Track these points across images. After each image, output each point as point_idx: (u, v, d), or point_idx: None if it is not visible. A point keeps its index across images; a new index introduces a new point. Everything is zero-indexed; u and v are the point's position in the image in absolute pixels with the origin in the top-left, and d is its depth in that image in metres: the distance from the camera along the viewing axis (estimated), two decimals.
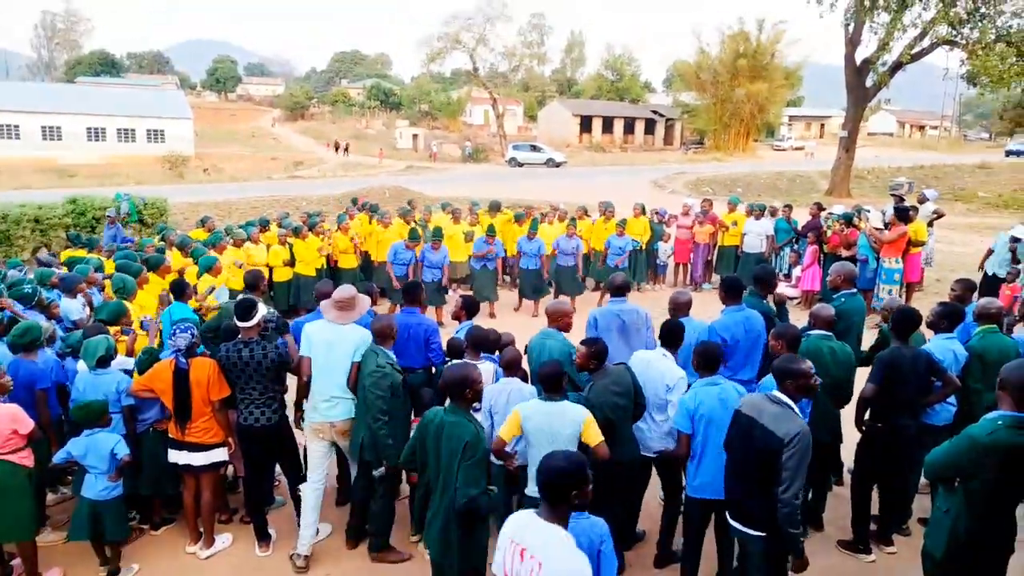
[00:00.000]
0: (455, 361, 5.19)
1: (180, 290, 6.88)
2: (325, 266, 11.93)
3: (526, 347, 5.72)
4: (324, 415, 5.37)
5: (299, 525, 5.48)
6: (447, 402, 4.24)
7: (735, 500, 4.23)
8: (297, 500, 5.55)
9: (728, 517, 4.29)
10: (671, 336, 5.27)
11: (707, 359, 4.78)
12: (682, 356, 5.34)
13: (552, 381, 4.45)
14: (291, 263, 11.40)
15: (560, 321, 5.61)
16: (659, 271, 14.22)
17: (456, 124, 69.68)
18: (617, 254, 12.42)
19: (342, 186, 27.50)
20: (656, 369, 5.11)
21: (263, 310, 5.36)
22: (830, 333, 5.41)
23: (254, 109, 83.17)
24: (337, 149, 54.57)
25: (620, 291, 6.19)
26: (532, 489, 4.40)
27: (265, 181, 35.80)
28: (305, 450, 5.99)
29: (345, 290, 5.52)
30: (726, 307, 5.82)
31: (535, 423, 4.37)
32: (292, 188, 28.94)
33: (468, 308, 6.17)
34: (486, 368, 5.34)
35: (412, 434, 4.35)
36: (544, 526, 3.08)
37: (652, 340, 6.05)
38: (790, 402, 4.09)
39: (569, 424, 4.36)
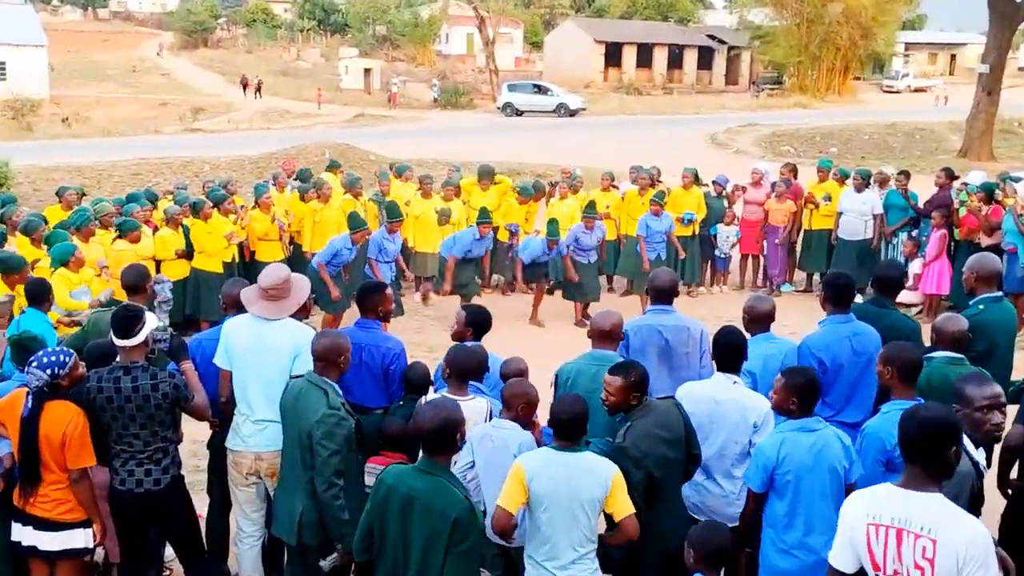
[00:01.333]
0: (432, 398, 5.15)
1: (39, 294, 6.85)
2: (237, 259, 11.92)
3: (555, 378, 5.66)
4: (247, 442, 5.45)
5: None
6: (419, 458, 4.21)
7: None
8: None
9: None
10: (732, 353, 5.29)
11: (802, 393, 4.75)
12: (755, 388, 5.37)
13: (573, 424, 4.46)
14: (187, 255, 11.40)
15: (616, 337, 5.65)
16: (719, 266, 14.26)
17: (426, 54, 69.81)
18: (657, 242, 12.44)
19: (263, 143, 27.55)
20: (733, 403, 5.11)
21: (151, 322, 5.35)
22: (962, 356, 5.42)
23: (135, 33, 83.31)
24: (246, 88, 54.64)
25: (664, 296, 6.19)
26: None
27: (151, 136, 35.83)
28: (209, 514, 6.05)
29: (275, 272, 5.57)
30: (828, 316, 5.85)
31: (547, 483, 4.37)
32: (191, 146, 28.97)
33: (475, 323, 6.10)
34: (475, 407, 5.32)
35: (366, 507, 4.31)
36: (921, 496, 3.44)
37: (709, 367, 6.03)
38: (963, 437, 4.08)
39: (594, 484, 4.37)
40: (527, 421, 5.10)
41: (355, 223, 10.95)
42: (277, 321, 5.51)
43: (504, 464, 4.78)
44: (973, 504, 4.20)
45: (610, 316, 5.76)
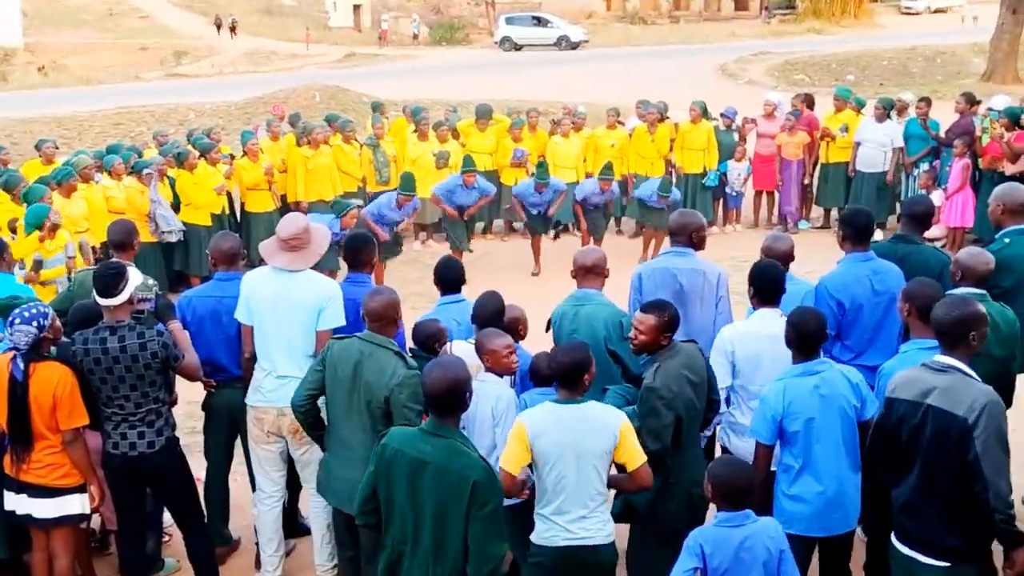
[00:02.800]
0: (445, 356, 5.11)
1: None
2: (226, 211, 11.89)
3: (549, 323, 5.73)
4: (268, 397, 5.49)
5: (256, 565, 5.86)
6: (426, 420, 4.19)
7: (902, 519, 4.34)
8: (201, 561, 5.64)
9: (894, 539, 4.39)
10: (773, 286, 5.28)
11: (802, 335, 4.75)
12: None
13: (574, 373, 4.44)
14: (175, 207, 11.37)
15: (599, 273, 5.65)
16: (730, 204, 14.19)
17: None
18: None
19: (249, 87, 27.33)
20: (781, 339, 5.06)
21: (135, 279, 5.34)
22: (984, 292, 5.39)
23: None
24: (219, 28, 54.09)
25: (681, 236, 6.11)
26: (542, 534, 4.47)
27: (132, 83, 35.58)
28: (208, 477, 6.10)
29: (293, 222, 5.58)
30: (845, 255, 5.82)
31: (552, 440, 4.37)
32: (174, 92, 28.75)
33: (443, 276, 6.12)
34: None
35: (368, 470, 4.29)
36: None
37: (727, 314, 6.03)
38: (961, 365, 4.18)
39: (602, 436, 4.37)
40: (507, 371, 5.13)
41: (339, 208, 10.70)
42: (299, 273, 5.51)
43: (484, 417, 4.89)
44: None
45: (592, 252, 5.78)
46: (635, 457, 4.42)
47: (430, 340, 5.48)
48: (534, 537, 4.54)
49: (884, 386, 4.77)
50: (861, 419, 4.72)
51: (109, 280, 5.17)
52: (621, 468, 4.52)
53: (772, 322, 5.22)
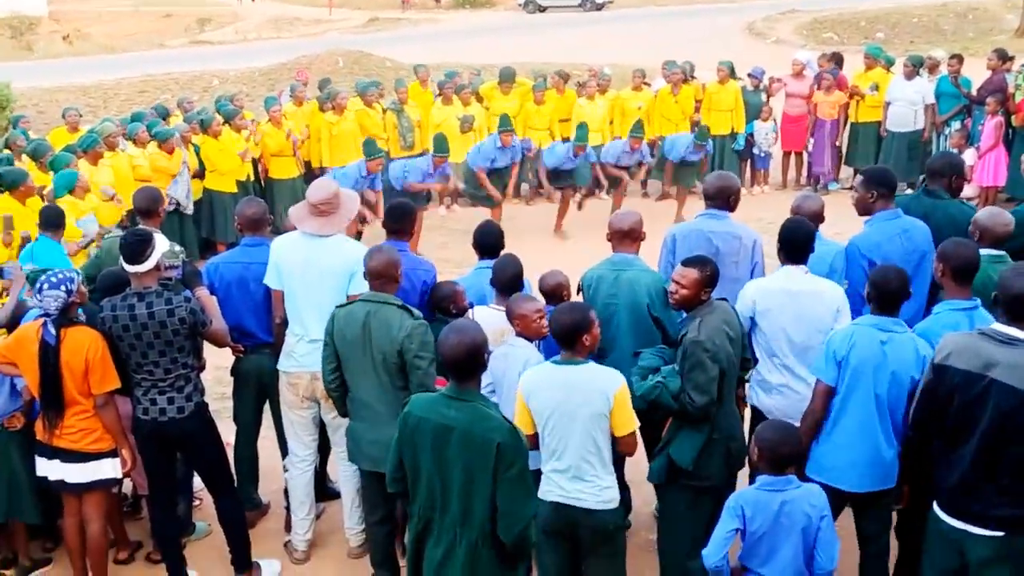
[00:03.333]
0: (460, 320, 5.12)
1: (54, 220, 6.95)
2: (252, 177, 11.91)
3: (580, 286, 5.71)
4: (301, 362, 5.55)
5: (287, 528, 5.99)
6: (448, 384, 4.18)
7: (955, 492, 4.26)
8: (231, 524, 5.69)
9: (940, 511, 4.32)
10: (802, 243, 5.24)
11: (883, 292, 4.66)
12: None
13: (572, 333, 4.46)
14: (200, 174, 11.40)
15: (636, 238, 5.63)
16: (758, 165, 14.06)
17: None
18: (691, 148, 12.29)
19: (273, 53, 27.26)
20: (810, 294, 5.08)
21: (163, 245, 5.37)
22: (1003, 253, 5.33)
23: None
24: None
25: (714, 199, 6.06)
26: (541, 487, 4.52)
27: (156, 50, 35.59)
28: (237, 442, 6.19)
29: (322, 188, 5.62)
30: (874, 215, 5.75)
31: (544, 400, 4.43)
32: (198, 59, 28.76)
33: (481, 243, 6.05)
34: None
35: (394, 437, 4.27)
36: None
37: (761, 275, 5.97)
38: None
39: (593, 398, 4.39)
40: (537, 335, 5.14)
41: (369, 150, 10.81)
42: (329, 238, 5.55)
43: (512, 382, 4.88)
44: None
45: (629, 216, 5.74)
46: (625, 423, 4.45)
47: (445, 301, 5.51)
48: (539, 492, 4.58)
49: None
50: (915, 389, 4.59)
51: (136, 247, 5.19)
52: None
53: (797, 279, 5.20)
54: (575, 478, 4.47)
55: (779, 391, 5.26)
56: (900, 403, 4.63)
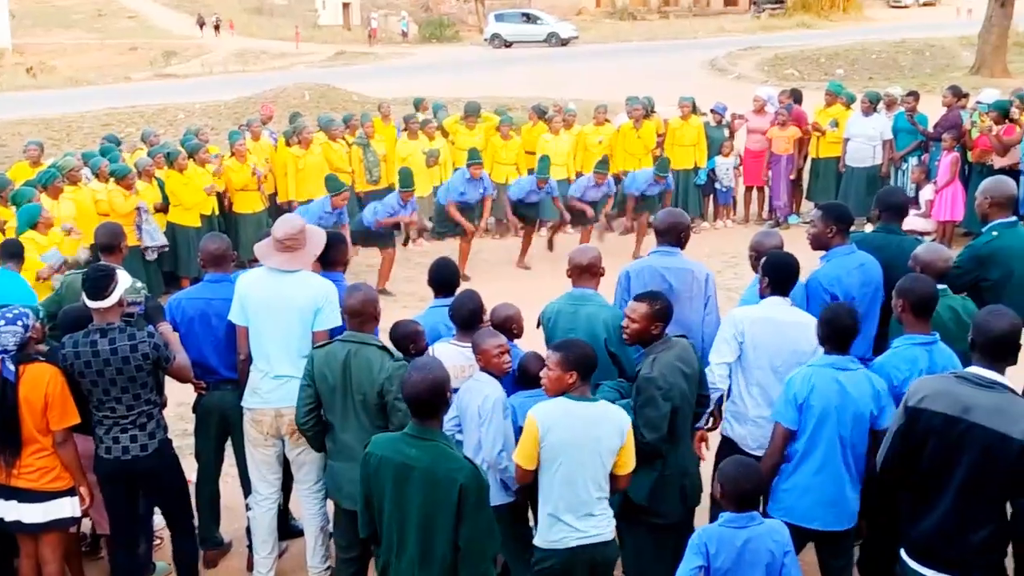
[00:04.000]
0: (423, 358, 5.10)
1: (13, 252, 6.89)
2: (216, 211, 11.86)
3: (539, 321, 5.72)
4: (266, 399, 5.51)
5: (249, 567, 5.92)
6: (405, 421, 4.18)
7: (928, 537, 4.21)
8: (185, 566, 5.66)
9: (909, 559, 4.27)
10: (785, 274, 5.29)
11: (836, 329, 4.71)
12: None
13: (590, 367, 4.50)
14: (164, 208, 11.34)
15: (595, 273, 5.66)
16: (720, 200, 14.19)
17: None
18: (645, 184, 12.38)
19: (239, 87, 27.26)
20: (794, 325, 5.11)
21: (125, 280, 5.34)
22: (946, 287, 5.43)
23: None
24: (202, 27, 54.05)
25: (666, 236, 6.09)
26: (550, 537, 4.46)
27: (122, 84, 35.46)
28: (199, 479, 6.11)
29: (288, 223, 5.62)
30: (830, 250, 5.82)
31: (563, 436, 4.38)
32: (163, 92, 28.66)
33: (436, 278, 6.09)
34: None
35: (360, 483, 4.24)
36: None
37: (715, 313, 6.01)
38: (1006, 380, 4.05)
39: (612, 434, 4.41)
40: (499, 371, 5.10)
41: (332, 185, 10.83)
42: (295, 273, 5.53)
43: (474, 416, 4.91)
44: None
45: (587, 251, 5.76)
46: (630, 461, 4.48)
47: (405, 340, 5.47)
48: (539, 541, 4.53)
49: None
50: (875, 427, 4.65)
51: (99, 282, 5.16)
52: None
53: (783, 310, 5.26)
54: (586, 515, 4.44)
55: (755, 422, 5.25)
56: (862, 440, 4.67)
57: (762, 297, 5.41)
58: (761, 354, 5.21)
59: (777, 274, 5.33)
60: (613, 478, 4.51)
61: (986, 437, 3.93)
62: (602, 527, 4.49)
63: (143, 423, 5.30)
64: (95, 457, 5.36)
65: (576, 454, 4.37)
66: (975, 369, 4.08)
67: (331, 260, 6.08)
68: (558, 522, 4.45)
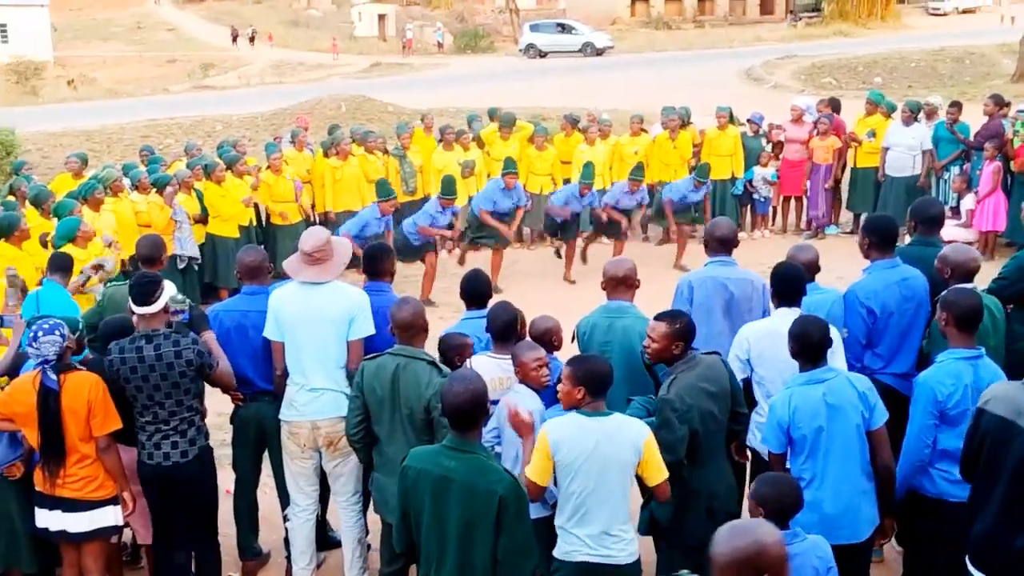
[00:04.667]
0: (462, 370, 5.09)
1: (62, 265, 7.01)
2: (254, 222, 11.93)
3: (575, 334, 5.71)
4: (302, 411, 5.54)
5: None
6: (447, 435, 4.15)
7: (979, 540, 4.24)
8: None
9: (970, 565, 4.30)
10: (793, 286, 5.30)
11: (805, 344, 4.71)
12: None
13: (601, 384, 4.43)
14: (203, 219, 11.43)
15: (631, 285, 5.64)
16: (758, 209, 14.10)
17: None
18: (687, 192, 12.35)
19: (276, 98, 27.49)
20: None
21: (169, 289, 5.43)
22: (975, 286, 5.37)
23: None
24: (235, 39, 54.65)
25: (724, 246, 6.12)
26: (562, 548, 4.43)
27: (160, 95, 35.87)
28: (236, 490, 6.15)
29: (314, 236, 5.65)
30: (872, 262, 5.79)
31: (574, 452, 4.34)
32: (201, 104, 28.97)
33: (468, 290, 6.08)
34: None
35: (398, 493, 4.25)
36: None
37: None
38: None
39: (624, 449, 4.34)
40: (537, 384, 5.08)
41: (382, 190, 10.92)
42: (326, 285, 5.56)
43: (510, 429, 4.82)
44: None
45: (622, 263, 5.74)
46: (656, 473, 4.40)
47: (451, 352, 5.47)
48: (556, 551, 4.50)
49: (917, 395, 4.75)
50: (869, 428, 4.65)
51: (146, 288, 5.27)
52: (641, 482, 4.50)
53: (790, 321, 5.19)
54: (603, 534, 4.37)
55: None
56: (862, 443, 4.64)
57: (775, 308, 5.40)
58: (771, 368, 5.21)
59: (783, 285, 5.34)
60: (647, 489, 4.45)
61: None
62: (616, 549, 4.40)
63: (184, 429, 5.37)
64: (138, 462, 5.41)
65: (587, 469, 4.31)
66: None
67: (378, 270, 6.09)
68: (568, 534, 4.43)
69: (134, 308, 5.28)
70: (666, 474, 4.42)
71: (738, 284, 5.99)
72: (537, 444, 4.41)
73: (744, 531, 3.14)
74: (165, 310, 5.33)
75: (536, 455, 4.41)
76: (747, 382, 5.34)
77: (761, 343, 5.25)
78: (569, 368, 4.47)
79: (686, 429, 4.70)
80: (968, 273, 5.40)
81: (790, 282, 5.33)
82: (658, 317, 4.96)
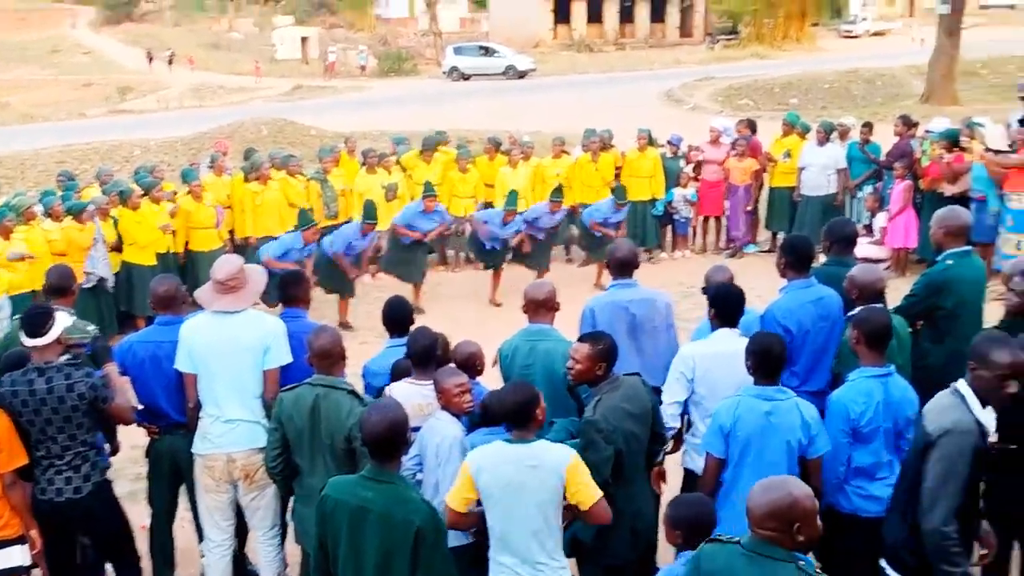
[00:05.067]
0: (381, 399, 5.03)
1: None
2: (172, 249, 11.72)
3: (496, 358, 5.69)
4: (217, 443, 5.43)
5: None
6: (365, 466, 4.09)
7: (887, 538, 4.46)
8: None
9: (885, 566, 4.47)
10: (733, 306, 5.34)
11: (764, 360, 4.74)
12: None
13: (523, 412, 4.38)
14: (118, 247, 11.17)
15: (552, 308, 5.64)
16: (678, 230, 14.26)
17: (366, 19, 69.15)
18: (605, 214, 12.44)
19: (196, 122, 27.10)
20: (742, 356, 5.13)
21: (64, 320, 5.28)
22: (883, 306, 5.49)
23: (54, 10, 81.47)
24: (151, 61, 54.21)
25: (626, 269, 6.15)
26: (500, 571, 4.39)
27: (77, 120, 35.14)
28: (152, 524, 5.99)
29: (227, 264, 5.57)
30: (789, 282, 5.86)
31: (493, 479, 4.30)
32: (119, 128, 28.46)
33: (390, 317, 6.05)
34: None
35: (315, 525, 4.20)
36: None
37: (675, 340, 6.07)
38: (969, 393, 4.23)
39: (544, 476, 4.29)
40: (459, 410, 5.05)
41: (305, 220, 10.81)
42: (240, 314, 5.47)
43: (430, 456, 4.86)
44: (977, 462, 4.22)
45: (543, 286, 5.75)
46: (587, 495, 4.32)
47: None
48: None
49: (830, 414, 4.82)
50: (805, 456, 4.70)
51: (36, 319, 5.14)
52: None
53: (732, 342, 5.27)
54: (530, 562, 4.31)
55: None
56: (792, 469, 4.67)
57: (712, 329, 5.43)
58: (713, 388, 5.24)
59: (723, 306, 5.39)
60: (580, 513, 4.39)
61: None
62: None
63: (77, 464, 5.24)
64: (32, 499, 5.24)
65: (507, 497, 4.28)
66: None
67: (293, 297, 6.02)
68: (496, 564, 4.39)
69: (24, 340, 5.14)
70: (598, 494, 4.34)
71: (639, 305, 6.03)
72: (461, 470, 4.39)
73: (778, 485, 3.51)
74: (59, 342, 5.18)
75: (458, 482, 4.39)
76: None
77: (705, 363, 5.28)
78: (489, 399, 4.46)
79: (612, 450, 4.71)
80: (875, 293, 5.49)
81: (731, 303, 5.39)
82: (581, 339, 4.99)
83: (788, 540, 3.43)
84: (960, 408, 4.23)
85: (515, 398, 4.39)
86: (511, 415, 4.38)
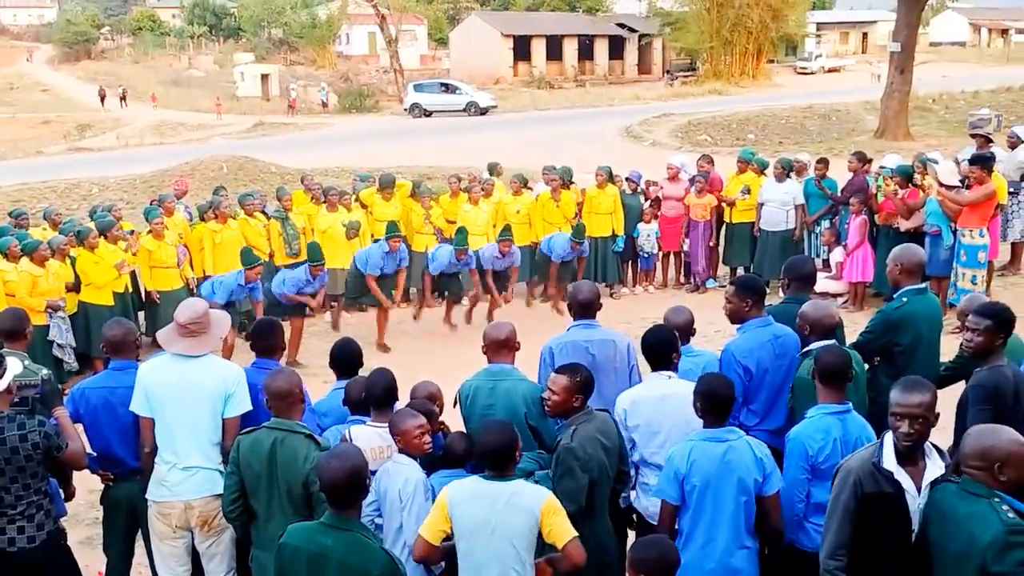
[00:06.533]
0: (340, 445, 4.98)
1: None
2: (130, 289, 11.57)
3: (457, 398, 5.66)
4: (175, 491, 5.34)
5: None
6: (325, 512, 4.05)
7: None
8: None
9: None
10: (662, 350, 5.36)
11: (712, 402, 4.76)
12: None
13: (503, 454, 4.39)
14: (75, 287, 11.03)
15: (512, 347, 5.64)
16: (642, 266, 14.32)
17: (327, 56, 69.26)
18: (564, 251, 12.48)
19: (156, 160, 26.91)
20: (676, 399, 5.14)
21: (15, 367, 5.17)
22: (834, 342, 5.53)
23: (11, 47, 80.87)
24: (103, 99, 53.89)
25: (587, 310, 6.15)
26: None
27: (34, 158, 34.76)
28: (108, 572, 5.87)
29: (191, 307, 5.50)
30: (749, 320, 5.89)
31: (467, 515, 4.31)
32: (77, 166, 28.20)
33: (338, 358, 6.01)
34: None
35: (273, 571, 4.14)
36: None
37: (639, 381, 6.03)
38: (889, 442, 4.19)
39: (518, 515, 4.30)
40: (419, 452, 5.01)
41: (248, 259, 10.72)
42: (201, 359, 5.40)
43: (394, 499, 4.82)
44: (870, 507, 4.22)
45: (503, 327, 5.76)
46: (562, 535, 4.33)
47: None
48: None
49: (789, 451, 4.84)
50: (762, 494, 4.72)
51: None
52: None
53: (661, 385, 5.31)
54: None
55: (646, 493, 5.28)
56: (749, 509, 4.70)
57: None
58: (647, 431, 5.25)
59: (651, 352, 5.43)
60: (558, 554, 4.37)
61: None
62: None
63: (31, 514, 5.14)
64: None
65: (480, 534, 4.30)
66: None
67: (268, 347, 5.89)
68: None
69: None
70: (573, 533, 4.34)
71: (599, 346, 6.01)
72: (437, 502, 4.41)
73: (989, 431, 3.96)
74: (9, 391, 5.08)
75: (432, 514, 4.41)
76: None
77: (637, 408, 5.29)
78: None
79: (587, 478, 4.75)
80: (825, 329, 5.54)
81: (658, 347, 5.41)
82: (559, 370, 5.05)
83: (991, 479, 3.79)
84: (869, 450, 4.27)
85: (498, 439, 4.41)
86: (493, 456, 4.39)
